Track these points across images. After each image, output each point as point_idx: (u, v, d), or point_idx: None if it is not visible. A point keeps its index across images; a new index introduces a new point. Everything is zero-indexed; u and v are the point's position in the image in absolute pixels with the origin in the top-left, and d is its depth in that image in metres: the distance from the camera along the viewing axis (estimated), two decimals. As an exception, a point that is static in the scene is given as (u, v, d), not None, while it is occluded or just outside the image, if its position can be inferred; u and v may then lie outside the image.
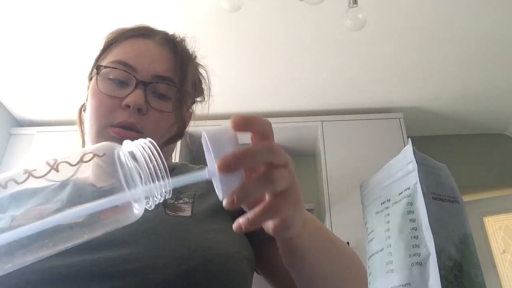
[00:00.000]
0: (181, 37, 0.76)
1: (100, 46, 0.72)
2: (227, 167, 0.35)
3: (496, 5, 2.17)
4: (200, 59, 0.80)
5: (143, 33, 0.71)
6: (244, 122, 0.38)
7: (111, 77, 0.65)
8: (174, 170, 0.73)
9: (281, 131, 2.92)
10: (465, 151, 3.17)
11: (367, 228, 0.52)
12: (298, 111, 2.95)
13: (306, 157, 3.20)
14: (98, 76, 0.66)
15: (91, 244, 0.42)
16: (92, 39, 2.37)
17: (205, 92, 0.81)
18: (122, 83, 0.65)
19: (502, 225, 2.89)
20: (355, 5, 1.58)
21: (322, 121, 2.88)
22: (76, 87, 2.47)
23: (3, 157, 2.84)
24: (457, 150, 3.17)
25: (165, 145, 0.69)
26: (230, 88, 2.66)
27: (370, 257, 0.50)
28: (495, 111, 3.04)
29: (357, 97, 2.89)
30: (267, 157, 0.38)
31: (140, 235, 0.53)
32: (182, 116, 0.70)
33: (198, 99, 0.80)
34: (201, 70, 0.80)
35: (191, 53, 0.76)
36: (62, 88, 2.68)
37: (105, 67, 0.66)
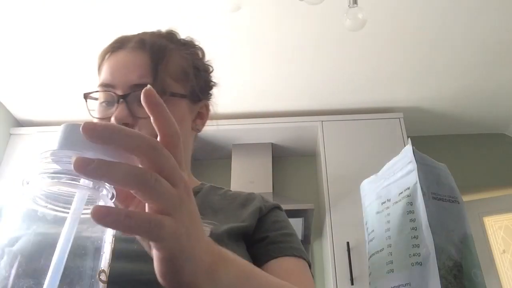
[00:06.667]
0: (154, 32, 0.73)
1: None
2: (92, 130, 0.28)
3: (496, 5, 2.17)
4: (195, 45, 0.77)
5: (117, 45, 0.70)
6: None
7: (101, 100, 0.67)
8: (198, 194, 0.73)
9: (281, 131, 2.93)
10: (465, 151, 3.16)
11: (367, 228, 0.52)
12: (298, 111, 2.95)
13: (306, 157, 3.20)
14: (86, 104, 0.68)
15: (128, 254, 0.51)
16: (93, 39, 2.38)
17: (210, 79, 0.78)
18: (109, 103, 0.66)
19: (502, 225, 2.89)
20: (355, 5, 1.58)
21: (322, 121, 2.88)
22: (76, 88, 2.47)
23: (3, 157, 2.84)
24: (457, 150, 3.16)
25: None
26: (230, 88, 2.66)
27: (370, 257, 0.50)
28: (495, 111, 3.03)
29: (357, 97, 2.88)
30: (150, 151, 0.30)
31: None
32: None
33: (208, 90, 0.78)
34: (197, 56, 0.77)
35: (168, 42, 0.71)
36: (62, 88, 2.68)
37: (89, 94, 0.68)
